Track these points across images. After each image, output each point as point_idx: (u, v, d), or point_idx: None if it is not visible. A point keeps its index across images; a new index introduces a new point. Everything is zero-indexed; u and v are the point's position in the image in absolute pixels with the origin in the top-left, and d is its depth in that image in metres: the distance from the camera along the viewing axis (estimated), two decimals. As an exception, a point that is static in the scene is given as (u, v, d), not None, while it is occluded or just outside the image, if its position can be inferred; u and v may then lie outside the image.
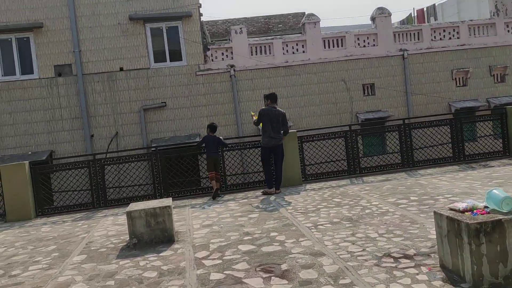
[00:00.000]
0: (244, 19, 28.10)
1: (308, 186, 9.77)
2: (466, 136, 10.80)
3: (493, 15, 17.96)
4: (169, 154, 10.23)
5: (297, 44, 17.14)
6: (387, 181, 9.41)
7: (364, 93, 17.39)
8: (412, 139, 10.64)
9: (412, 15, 22.39)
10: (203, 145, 9.74)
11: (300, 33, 18.25)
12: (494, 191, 3.89)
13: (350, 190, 8.86)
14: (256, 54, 16.93)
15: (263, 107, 9.43)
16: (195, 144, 9.99)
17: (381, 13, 17.39)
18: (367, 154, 10.77)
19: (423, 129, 10.73)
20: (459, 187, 8.03)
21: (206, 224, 7.08)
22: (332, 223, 6.36)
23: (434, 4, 21.10)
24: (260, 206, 8.14)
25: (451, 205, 4.19)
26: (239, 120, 16.63)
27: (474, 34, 17.84)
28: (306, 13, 17.29)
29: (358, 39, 17.39)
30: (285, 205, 7.94)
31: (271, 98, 9.39)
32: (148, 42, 16.40)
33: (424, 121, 10.86)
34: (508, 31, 17.96)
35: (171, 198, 7.21)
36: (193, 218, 7.65)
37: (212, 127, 9.77)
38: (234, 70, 16.65)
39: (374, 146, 13.63)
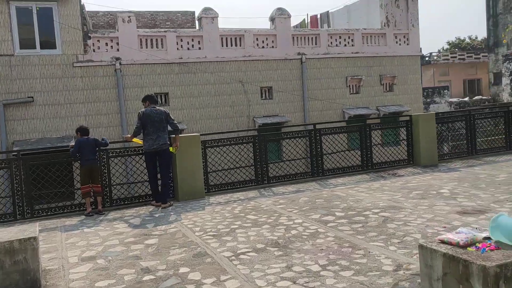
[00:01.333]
0: (129, 12, 25.77)
1: (212, 199, 8.35)
2: (374, 143, 10.34)
3: (384, 25, 18.45)
4: (35, 160, 8.02)
5: (192, 40, 15.65)
6: (301, 193, 8.42)
7: (262, 96, 16.54)
8: (322, 146, 9.85)
9: (306, 21, 22.37)
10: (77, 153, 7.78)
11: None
12: (503, 218, 2.90)
13: (263, 204, 7.66)
14: (147, 48, 15.06)
15: (142, 109, 7.97)
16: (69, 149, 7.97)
17: (281, 14, 16.74)
18: (274, 161, 9.74)
19: (333, 135, 10.02)
20: (382, 199, 7.31)
21: (87, 256, 5.28)
22: (256, 250, 5.05)
23: (327, 11, 21.30)
24: (158, 227, 6.52)
25: (442, 236, 3.13)
26: (125, 121, 14.58)
27: (367, 43, 18.11)
28: (204, 7, 15.88)
29: (257, 39, 16.50)
30: (190, 225, 6.44)
31: (150, 99, 8.11)
32: (12, 24, 13.56)
33: (334, 127, 10.16)
34: (397, 42, 18.58)
35: (37, 223, 5.25)
36: (68, 247, 5.75)
37: (82, 130, 7.91)
38: (120, 64, 14.57)
39: (275, 152, 12.68)
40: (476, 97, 35.56)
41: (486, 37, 38.98)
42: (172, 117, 8.16)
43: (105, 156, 8.03)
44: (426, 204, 6.75)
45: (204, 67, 15.62)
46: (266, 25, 20.29)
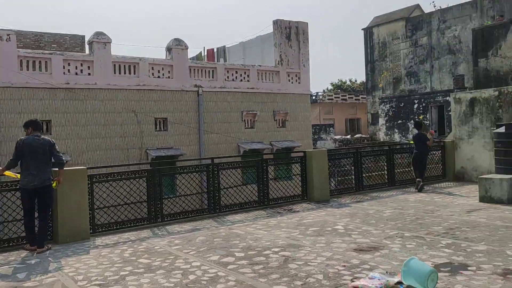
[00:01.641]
0: (9, 30, 23.54)
1: (99, 241, 7.53)
2: (271, 177, 10.35)
3: (278, 64, 19.15)
4: None
5: (82, 64, 14.62)
6: (197, 231, 8.00)
7: (156, 127, 15.91)
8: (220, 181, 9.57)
9: (202, 54, 22.41)
10: None
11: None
12: (414, 261, 2.85)
13: (157, 245, 7.09)
14: (28, 70, 13.66)
15: (22, 137, 7.05)
16: None
17: (178, 45, 16.48)
18: (168, 196, 9.19)
19: (231, 170, 9.82)
20: (280, 237, 7.20)
21: None
22: (150, 301, 4.52)
23: (224, 46, 21.59)
24: (32, 277, 5.60)
25: (356, 283, 2.99)
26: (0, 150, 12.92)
27: (262, 80, 18.59)
28: (95, 31, 15.00)
29: (152, 68, 15.98)
30: (72, 273, 5.64)
31: (33, 125, 7.14)
32: None
33: (233, 161, 9.98)
34: (289, 80, 19.36)
35: None
36: None
37: None
38: (-6, 86, 12.99)
39: (169, 187, 12.12)
40: (357, 135, 38.53)
41: (365, 80, 42.85)
42: (57, 148, 7.25)
43: (-32, 192, 6.85)
44: (324, 241, 6.78)
45: (94, 94, 14.62)
46: (162, 55, 19.81)
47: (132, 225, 8.39)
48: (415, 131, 12.48)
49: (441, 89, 30.93)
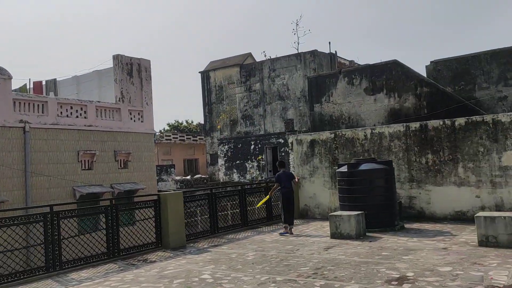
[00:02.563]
0: None
1: None
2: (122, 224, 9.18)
3: (119, 100, 17.92)
4: None
5: None
6: (34, 297, 6.46)
7: (-32, 170, 13.11)
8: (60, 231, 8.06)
9: (28, 86, 19.73)
10: None
11: None
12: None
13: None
14: None
15: None
16: None
17: (0, 74, 14.11)
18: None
19: (73, 218, 8.38)
20: (144, 295, 6.23)
21: None
22: None
23: (55, 79, 19.39)
24: None
25: None
26: None
27: (102, 117, 17.11)
28: None
29: (-36, 99, 13.29)
30: None
31: None
32: None
33: (76, 208, 8.56)
34: (131, 118, 18.26)
35: None
36: None
37: None
38: None
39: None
40: (197, 176, 38.55)
41: (202, 122, 43.60)
42: None
43: None
44: (196, 295, 6.06)
45: None
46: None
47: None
48: (280, 170, 11.59)
49: (274, 131, 33.12)
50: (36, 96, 15.61)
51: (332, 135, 13.90)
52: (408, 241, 9.20)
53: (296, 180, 11.98)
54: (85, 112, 16.52)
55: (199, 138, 47.00)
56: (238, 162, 32.37)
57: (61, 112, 15.77)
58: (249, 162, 31.79)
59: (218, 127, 36.76)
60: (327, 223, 12.57)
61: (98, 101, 17.28)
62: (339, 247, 8.95)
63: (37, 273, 7.62)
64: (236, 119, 36.14)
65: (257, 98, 35.15)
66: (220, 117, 36.72)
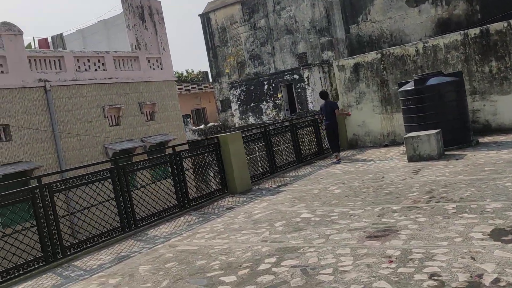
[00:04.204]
0: None
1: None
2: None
3: (135, 48, 16.63)
4: None
5: None
6: (128, 259, 5.73)
7: (-4, 138, 12.16)
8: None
9: (33, 45, 18.30)
10: None
11: None
12: None
13: (87, 293, 4.70)
14: None
15: None
16: None
17: (9, 30, 12.79)
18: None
19: (141, 171, 7.54)
20: (253, 242, 5.50)
21: None
22: None
23: (61, 34, 17.92)
24: None
25: None
26: None
27: (120, 68, 15.91)
28: None
29: (-23, 61, 12.09)
30: None
31: None
32: None
33: (139, 160, 7.69)
34: (150, 66, 17.05)
35: None
36: None
37: None
38: None
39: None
40: (210, 124, 37.60)
41: (202, 70, 42.09)
42: None
43: None
44: (319, 235, 5.30)
45: None
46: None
47: (23, 270, 5.62)
48: (322, 101, 11.65)
49: (285, 68, 31.77)
50: (51, 52, 14.32)
51: (379, 55, 12.80)
52: (499, 153, 8.42)
53: (340, 110, 11.55)
54: (103, 64, 15.31)
55: (204, 87, 45.59)
56: (252, 104, 31.31)
57: (79, 67, 14.58)
58: (264, 103, 30.74)
59: (227, 71, 35.34)
60: (384, 149, 11.87)
61: (115, 51, 15.99)
62: (428, 169, 8.17)
63: (114, 235, 6.86)
64: (243, 60, 34.64)
65: (263, 35, 33.46)
66: (228, 60, 35.21)
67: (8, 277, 5.47)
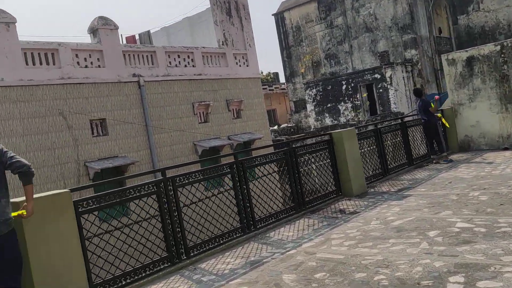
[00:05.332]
0: None
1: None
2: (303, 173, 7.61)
3: (222, 44, 16.27)
4: None
5: (-22, 53, 10.36)
6: (262, 265, 5.06)
7: (93, 132, 12.13)
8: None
9: (121, 42, 18.52)
10: None
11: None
12: None
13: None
14: None
15: None
16: None
17: (106, 24, 12.80)
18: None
19: (259, 166, 6.91)
20: (414, 254, 4.61)
21: None
22: None
23: (149, 31, 18.04)
24: None
25: None
26: None
27: (208, 64, 15.58)
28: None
29: (77, 56, 12.13)
30: None
31: None
32: None
33: (259, 155, 7.05)
34: (237, 63, 16.62)
35: None
36: None
37: None
38: None
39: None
40: (283, 125, 36.98)
41: (272, 71, 41.49)
42: (12, 153, 3.91)
43: None
44: (503, 251, 4.33)
45: (2, 95, 10.47)
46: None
47: (149, 271, 5.12)
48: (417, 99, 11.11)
49: (363, 68, 30.41)
50: (144, 47, 14.24)
51: (498, 47, 11.43)
52: None
53: (432, 108, 10.67)
54: (192, 60, 15.05)
55: (275, 87, 45.08)
56: (329, 105, 30.24)
57: (170, 62, 14.39)
58: (342, 103, 29.57)
59: (302, 70, 34.53)
60: (507, 153, 10.52)
61: (203, 47, 15.70)
62: None
63: (236, 236, 6.25)
64: (319, 60, 33.66)
65: (340, 34, 32.31)
66: (303, 60, 34.39)
67: (136, 277, 4.99)
